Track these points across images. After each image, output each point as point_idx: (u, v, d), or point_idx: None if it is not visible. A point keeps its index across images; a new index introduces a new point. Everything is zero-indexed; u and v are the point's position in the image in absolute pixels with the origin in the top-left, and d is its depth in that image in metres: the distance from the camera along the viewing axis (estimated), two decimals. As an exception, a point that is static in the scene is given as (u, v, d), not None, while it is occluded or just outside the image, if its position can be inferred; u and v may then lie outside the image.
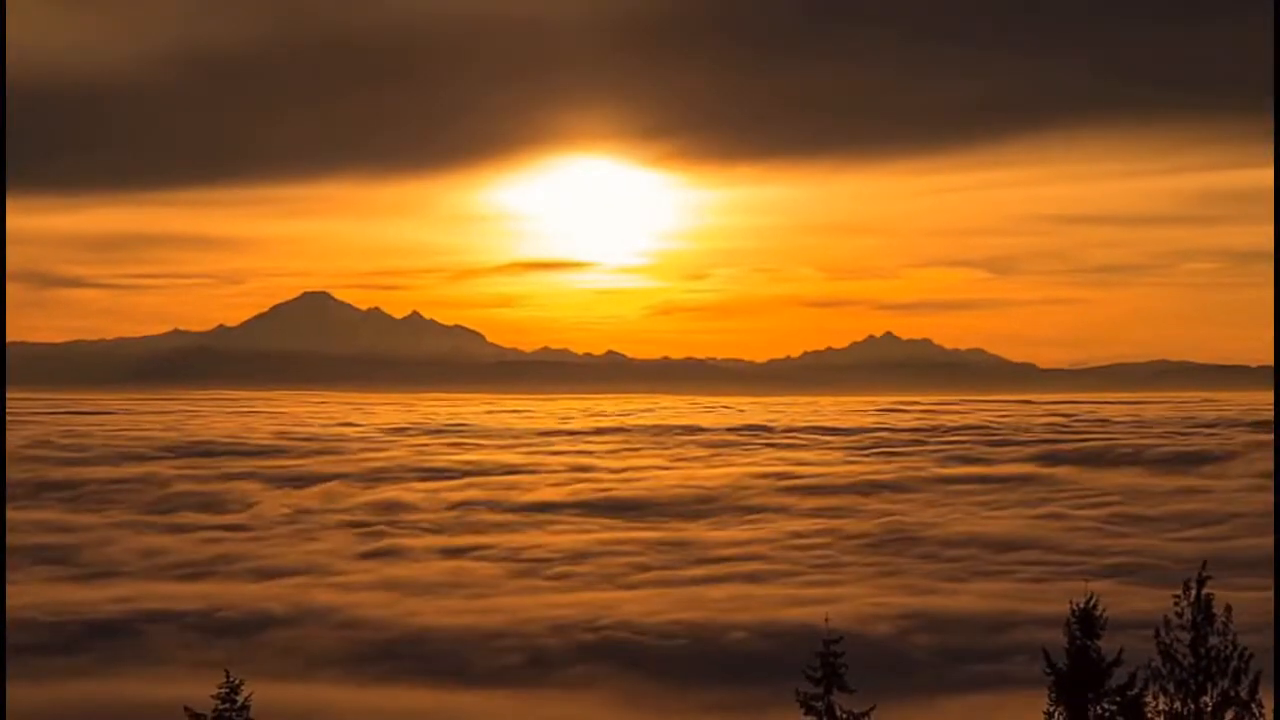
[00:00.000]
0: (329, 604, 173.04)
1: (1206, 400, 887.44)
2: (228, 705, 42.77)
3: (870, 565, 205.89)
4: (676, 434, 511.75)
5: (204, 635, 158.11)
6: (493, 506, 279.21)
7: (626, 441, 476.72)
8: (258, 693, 43.47)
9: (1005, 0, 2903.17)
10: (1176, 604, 42.32)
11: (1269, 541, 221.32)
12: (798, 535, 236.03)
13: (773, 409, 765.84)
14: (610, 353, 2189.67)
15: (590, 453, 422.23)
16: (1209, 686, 41.98)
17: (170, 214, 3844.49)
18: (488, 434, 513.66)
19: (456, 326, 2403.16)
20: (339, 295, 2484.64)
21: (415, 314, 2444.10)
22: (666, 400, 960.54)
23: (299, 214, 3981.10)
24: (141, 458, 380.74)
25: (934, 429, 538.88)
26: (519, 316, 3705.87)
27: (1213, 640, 42.02)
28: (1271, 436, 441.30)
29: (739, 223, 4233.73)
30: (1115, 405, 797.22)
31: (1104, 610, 42.22)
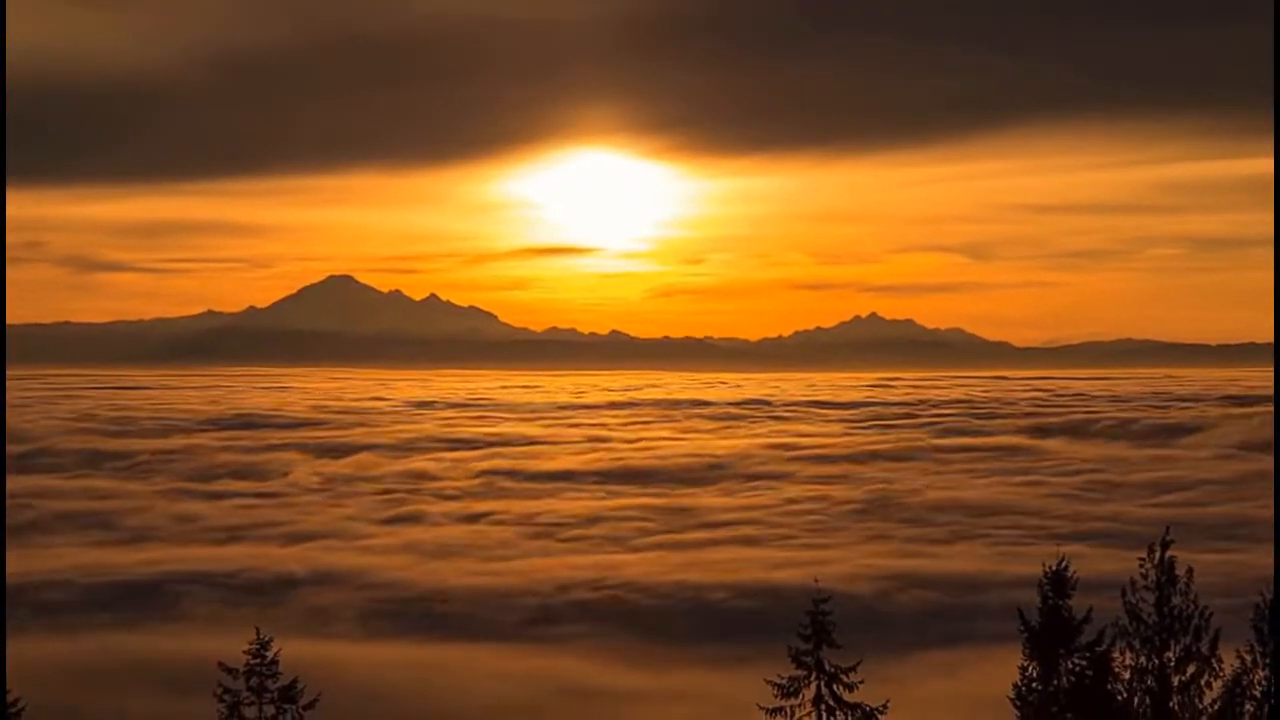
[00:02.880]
0: (354, 566, 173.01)
1: (1170, 376, 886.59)
2: (258, 660, 42.84)
3: (859, 530, 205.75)
4: (682, 408, 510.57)
5: (236, 595, 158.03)
6: (510, 475, 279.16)
7: (635, 415, 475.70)
8: (286, 649, 43.51)
9: (984, 4, 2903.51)
10: (1142, 566, 42.38)
11: (1229, 509, 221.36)
12: (792, 502, 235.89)
13: (770, 385, 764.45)
14: (614, 332, 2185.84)
15: (602, 425, 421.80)
16: (1172, 643, 42.05)
17: (204, 203, 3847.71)
18: (503, 408, 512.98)
19: (471, 307, 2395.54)
20: (362, 278, 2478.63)
21: (433, 296, 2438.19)
22: (668, 376, 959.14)
23: (324, 203, 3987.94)
24: (178, 430, 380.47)
25: (919, 403, 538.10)
26: (529, 298, 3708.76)
27: (1175, 600, 42.09)
28: (1235, 410, 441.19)
29: (734, 211, 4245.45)
30: (1086, 381, 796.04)
31: (1074, 572, 42.27)
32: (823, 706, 42.69)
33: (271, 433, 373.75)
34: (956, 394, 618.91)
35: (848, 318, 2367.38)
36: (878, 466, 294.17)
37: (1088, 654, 41.75)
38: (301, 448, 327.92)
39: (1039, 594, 42.13)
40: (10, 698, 40.89)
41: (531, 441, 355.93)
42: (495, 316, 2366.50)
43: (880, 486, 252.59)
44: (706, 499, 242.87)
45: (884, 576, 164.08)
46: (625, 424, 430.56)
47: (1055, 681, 41.76)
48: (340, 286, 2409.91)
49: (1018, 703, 42.05)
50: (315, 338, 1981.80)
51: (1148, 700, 41.96)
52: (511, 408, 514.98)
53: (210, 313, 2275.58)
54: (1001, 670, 44.45)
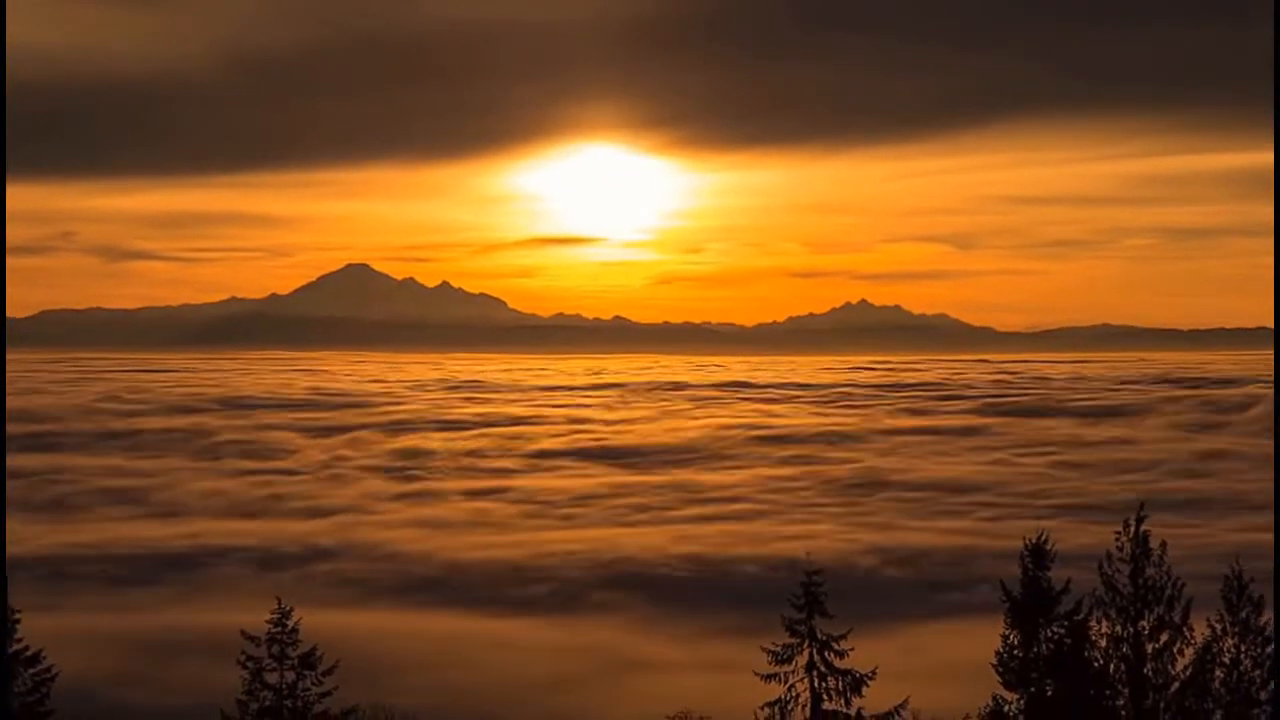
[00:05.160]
0: (368, 540, 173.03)
1: (1144, 360, 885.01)
2: (279, 629, 42.84)
3: (846, 506, 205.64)
4: (678, 390, 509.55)
5: (257, 567, 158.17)
6: (519, 454, 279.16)
7: (641, 397, 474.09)
8: (305, 618, 43.53)
9: (968, 6, 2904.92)
10: (1117, 539, 42.35)
11: (1198, 485, 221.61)
12: (784, 478, 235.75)
13: (764, 367, 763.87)
14: (617, 317, 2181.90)
15: (608, 406, 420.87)
16: (1146, 612, 42.02)
17: (228, 195, 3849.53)
18: (515, 389, 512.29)
19: (481, 294, 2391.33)
20: (378, 267, 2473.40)
21: (445, 283, 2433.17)
22: (668, 360, 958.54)
23: (342, 195, 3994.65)
24: (201, 410, 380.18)
25: (903, 385, 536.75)
26: (537, 285, 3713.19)
27: (1149, 571, 42.07)
28: (1199, 392, 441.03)
29: (731, 203, 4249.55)
30: (1064, 364, 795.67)
31: (1053, 545, 42.23)
32: (814, 673, 42.70)
33: (285, 412, 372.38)
34: (939, 377, 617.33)
35: (839, 304, 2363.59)
36: (857, 444, 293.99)
37: (1066, 623, 41.74)
38: (311, 427, 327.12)
39: (1020, 566, 42.10)
40: (42, 665, 40.92)
41: (535, 422, 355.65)
42: (504, 303, 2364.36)
43: (866, 465, 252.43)
44: (700, 476, 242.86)
45: (872, 550, 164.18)
46: (628, 404, 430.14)
47: (1035, 649, 41.75)
48: (357, 274, 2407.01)
49: (1000, 669, 42.03)
50: (333, 323, 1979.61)
51: (1123, 666, 41.95)
52: (522, 389, 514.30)
53: (234, 299, 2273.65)
54: (985, 638, 44.41)
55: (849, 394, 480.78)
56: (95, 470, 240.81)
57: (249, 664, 42.83)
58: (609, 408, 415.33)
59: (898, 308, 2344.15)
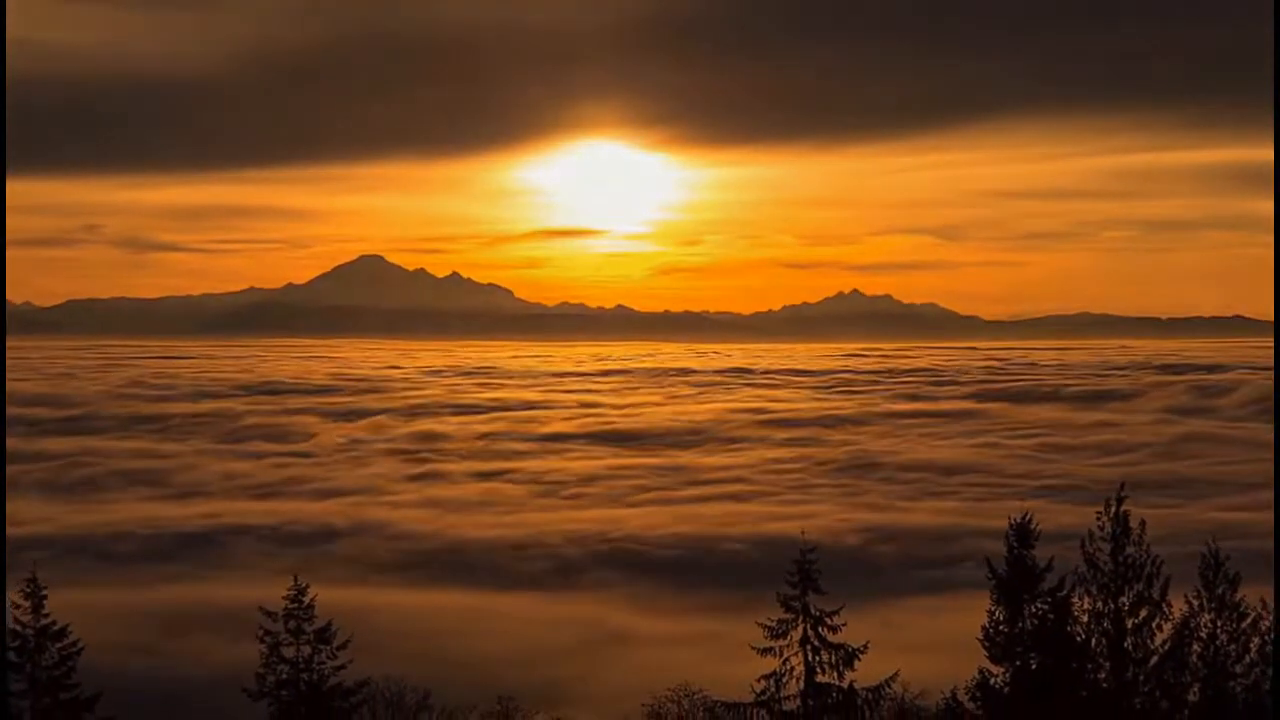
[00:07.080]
0: (381, 519, 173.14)
1: (1123, 347, 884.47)
2: (295, 605, 42.90)
3: (839, 487, 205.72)
4: (672, 376, 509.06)
5: (275, 546, 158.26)
6: (519, 437, 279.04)
7: (642, 381, 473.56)
8: (321, 595, 43.58)
9: (954, 8, 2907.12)
10: (1099, 519, 42.35)
11: (1176, 466, 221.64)
12: (784, 460, 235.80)
13: (763, 354, 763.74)
14: (619, 306, 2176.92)
15: (612, 391, 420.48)
16: (1126, 589, 42.02)
17: (248, 189, 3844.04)
18: (518, 375, 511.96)
19: (490, 284, 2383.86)
20: (391, 258, 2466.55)
21: (455, 274, 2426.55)
22: (668, 347, 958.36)
23: (357, 189, 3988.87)
24: (220, 395, 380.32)
25: (895, 371, 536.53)
26: (542, 276, 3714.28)
27: (1129, 550, 42.06)
28: (1175, 377, 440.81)
29: (728, 197, 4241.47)
30: (1046, 351, 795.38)
31: (1037, 525, 42.22)
32: (808, 647, 42.69)
33: (298, 398, 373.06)
34: (929, 364, 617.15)
35: (831, 293, 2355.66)
36: (846, 430, 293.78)
37: (1049, 599, 41.72)
38: (323, 412, 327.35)
39: (1005, 545, 42.07)
40: (69, 639, 40.99)
41: (537, 407, 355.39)
42: (511, 292, 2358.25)
43: (856, 448, 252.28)
44: (700, 458, 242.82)
45: (863, 529, 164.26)
46: (627, 390, 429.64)
47: (1020, 624, 41.72)
48: (371, 265, 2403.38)
49: (986, 644, 42.02)
50: (348, 312, 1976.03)
51: (1104, 641, 41.93)
52: (530, 375, 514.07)
53: (253, 289, 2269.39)
54: (971, 614, 44.41)
55: (844, 380, 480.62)
56: (121, 453, 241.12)
57: (267, 638, 42.91)
58: (613, 392, 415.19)
59: (887, 297, 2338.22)
